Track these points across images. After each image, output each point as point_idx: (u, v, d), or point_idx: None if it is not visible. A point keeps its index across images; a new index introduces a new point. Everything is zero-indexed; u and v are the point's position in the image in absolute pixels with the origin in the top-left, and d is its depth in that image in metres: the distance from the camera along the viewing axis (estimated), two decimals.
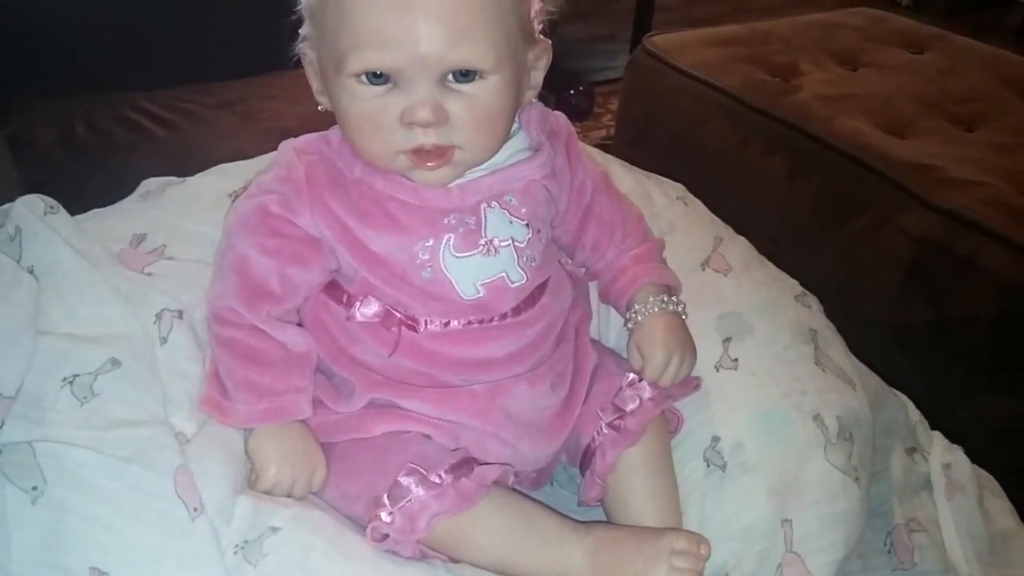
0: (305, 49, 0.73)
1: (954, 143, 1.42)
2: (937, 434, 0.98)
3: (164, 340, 0.75)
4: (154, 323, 0.75)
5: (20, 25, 1.37)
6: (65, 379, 0.69)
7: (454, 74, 0.67)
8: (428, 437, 0.73)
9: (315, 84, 0.74)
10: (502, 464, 0.73)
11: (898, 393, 0.99)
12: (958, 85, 1.61)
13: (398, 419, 0.73)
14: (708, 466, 0.82)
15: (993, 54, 1.74)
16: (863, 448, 0.85)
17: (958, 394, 1.19)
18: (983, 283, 1.18)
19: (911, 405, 0.99)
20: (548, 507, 0.75)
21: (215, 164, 0.92)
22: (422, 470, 0.68)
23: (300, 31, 0.72)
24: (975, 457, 0.97)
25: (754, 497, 0.80)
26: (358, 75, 0.67)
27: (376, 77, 0.67)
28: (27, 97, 1.38)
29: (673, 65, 1.64)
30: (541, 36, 0.73)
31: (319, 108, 0.75)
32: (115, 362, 0.70)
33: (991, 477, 0.98)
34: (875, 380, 0.96)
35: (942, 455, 0.96)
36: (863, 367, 0.95)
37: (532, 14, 0.71)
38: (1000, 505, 0.96)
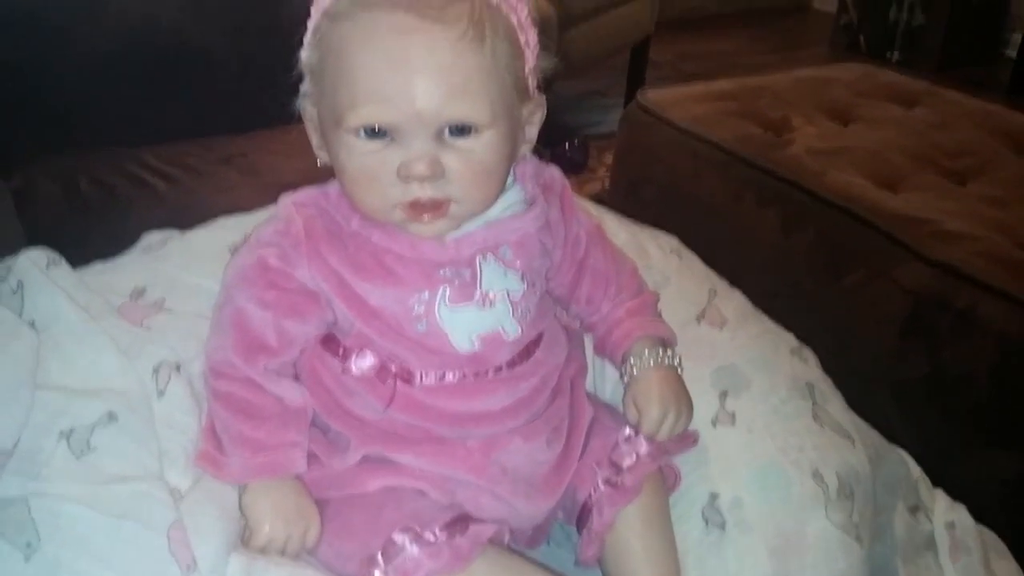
0: (305, 105, 0.74)
1: (947, 196, 1.44)
2: (939, 492, 0.97)
3: (161, 393, 0.75)
4: (152, 376, 0.75)
5: (26, 81, 1.39)
6: (62, 433, 0.68)
7: (450, 129, 0.67)
8: (423, 493, 0.72)
9: (314, 139, 0.75)
10: (497, 521, 0.72)
11: (899, 449, 0.98)
12: (949, 139, 1.63)
13: (393, 474, 0.73)
14: (707, 524, 0.81)
15: (983, 108, 1.77)
16: (864, 506, 0.84)
17: (959, 450, 1.18)
18: (980, 337, 1.18)
19: (912, 461, 0.98)
20: (544, 566, 0.74)
21: (216, 217, 0.93)
22: (416, 527, 0.68)
23: (300, 88, 0.74)
24: (978, 515, 0.96)
25: (754, 556, 0.78)
26: (356, 130, 0.68)
27: (374, 132, 0.67)
28: (31, 151, 1.40)
29: (666, 119, 1.66)
30: (536, 92, 0.75)
31: (318, 163, 0.76)
32: (112, 416, 0.70)
33: (995, 536, 0.97)
34: (874, 436, 0.95)
35: (945, 514, 0.94)
36: (862, 422, 0.95)
37: (527, 71, 0.72)
38: (1006, 566, 0.94)
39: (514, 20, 0.69)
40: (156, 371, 0.75)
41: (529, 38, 0.71)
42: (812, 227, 1.40)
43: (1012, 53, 3.28)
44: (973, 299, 1.19)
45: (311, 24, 0.70)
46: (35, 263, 0.77)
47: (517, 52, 0.70)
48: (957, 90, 1.86)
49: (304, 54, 0.72)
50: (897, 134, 1.64)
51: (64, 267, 0.79)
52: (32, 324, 0.75)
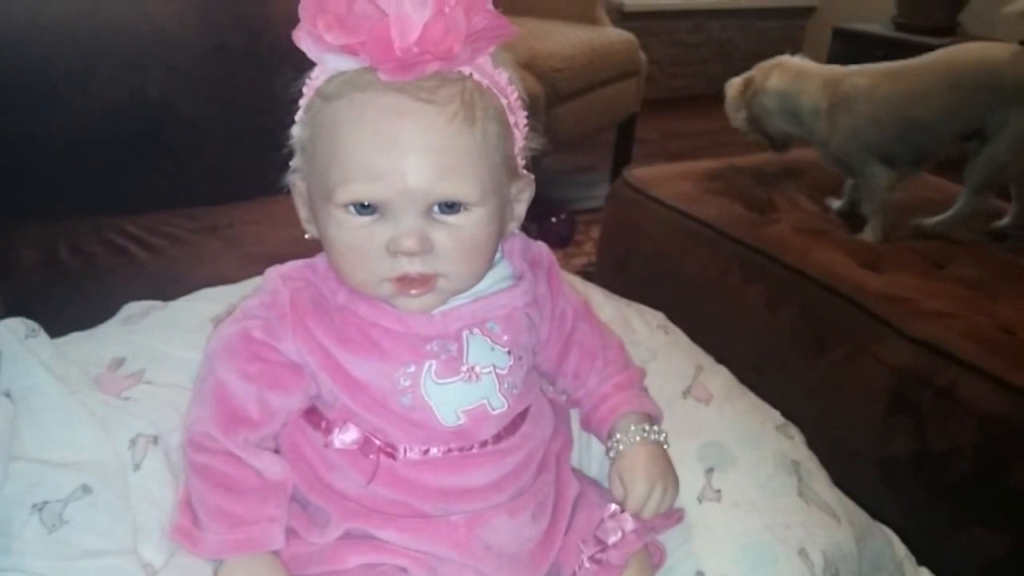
0: (295, 180, 0.75)
1: (927, 278, 1.46)
2: (924, 571, 0.96)
3: (137, 466, 0.73)
4: (128, 448, 0.74)
5: (9, 148, 1.39)
6: (35, 506, 0.67)
7: (439, 206, 0.68)
8: (404, 570, 0.71)
9: (303, 213, 0.76)
10: None
11: (884, 527, 0.97)
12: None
13: (373, 551, 0.71)
14: None
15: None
16: None
17: (944, 528, 1.17)
18: (963, 414, 1.18)
19: (897, 540, 0.97)
20: None
21: (198, 288, 0.92)
22: None
23: (291, 163, 0.75)
24: None
25: None
26: (346, 205, 0.68)
27: (364, 208, 0.68)
28: (11, 220, 1.39)
29: (653, 196, 1.69)
30: (524, 171, 0.76)
31: (306, 236, 0.76)
32: (86, 489, 0.69)
33: None
34: (860, 514, 0.95)
35: None
36: (848, 500, 0.94)
37: (516, 151, 0.73)
38: None
39: (504, 102, 0.70)
40: (133, 443, 0.74)
41: (518, 119, 0.73)
42: (797, 303, 1.41)
43: None
44: (955, 377, 1.20)
45: (303, 102, 0.71)
46: (13, 333, 0.77)
47: (506, 133, 0.71)
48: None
49: (296, 130, 0.73)
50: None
51: (43, 337, 0.78)
52: (8, 395, 0.74)
